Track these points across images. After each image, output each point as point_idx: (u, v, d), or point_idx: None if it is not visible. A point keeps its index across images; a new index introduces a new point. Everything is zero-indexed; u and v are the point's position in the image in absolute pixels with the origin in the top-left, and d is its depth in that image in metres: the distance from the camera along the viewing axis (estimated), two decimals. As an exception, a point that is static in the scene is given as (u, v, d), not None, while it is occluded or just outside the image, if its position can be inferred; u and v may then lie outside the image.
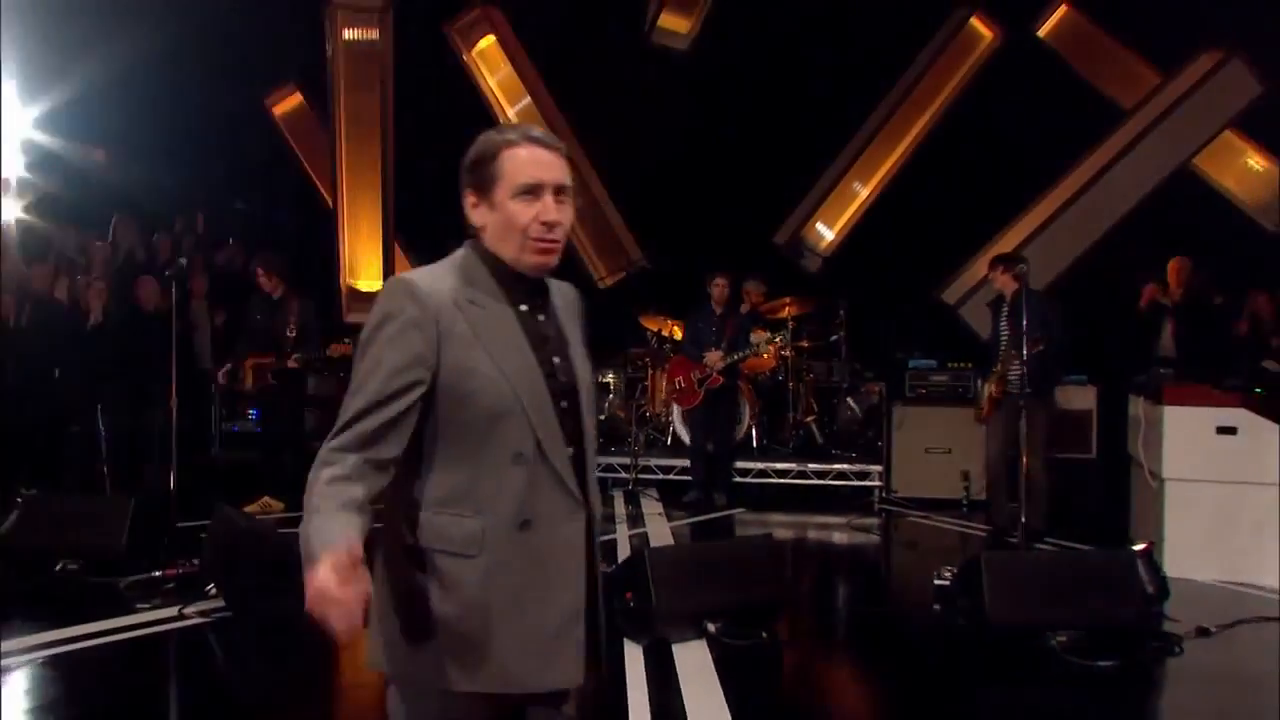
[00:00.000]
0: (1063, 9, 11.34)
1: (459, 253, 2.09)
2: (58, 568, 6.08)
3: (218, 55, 11.33)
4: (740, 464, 8.95)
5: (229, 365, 8.24)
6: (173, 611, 5.51)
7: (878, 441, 9.08)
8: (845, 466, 8.91)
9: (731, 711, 4.19)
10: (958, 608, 5.15)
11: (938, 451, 8.65)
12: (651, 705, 4.24)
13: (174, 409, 7.09)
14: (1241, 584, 6.01)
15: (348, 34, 9.79)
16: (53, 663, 4.86)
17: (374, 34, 9.83)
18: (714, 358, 8.38)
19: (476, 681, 1.97)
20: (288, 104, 12.32)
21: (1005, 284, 7.45)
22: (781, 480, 8.96)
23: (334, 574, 1.72)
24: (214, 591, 5.69)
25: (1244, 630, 5.27)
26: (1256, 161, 10.58)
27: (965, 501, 8.46)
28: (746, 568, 5.26)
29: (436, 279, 2.02)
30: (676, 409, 9.14)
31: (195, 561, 6.18)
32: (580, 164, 11.38)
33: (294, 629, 5.22)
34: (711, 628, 5.00)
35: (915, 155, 11.44)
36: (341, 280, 10.52)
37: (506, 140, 2.02)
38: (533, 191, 2.00)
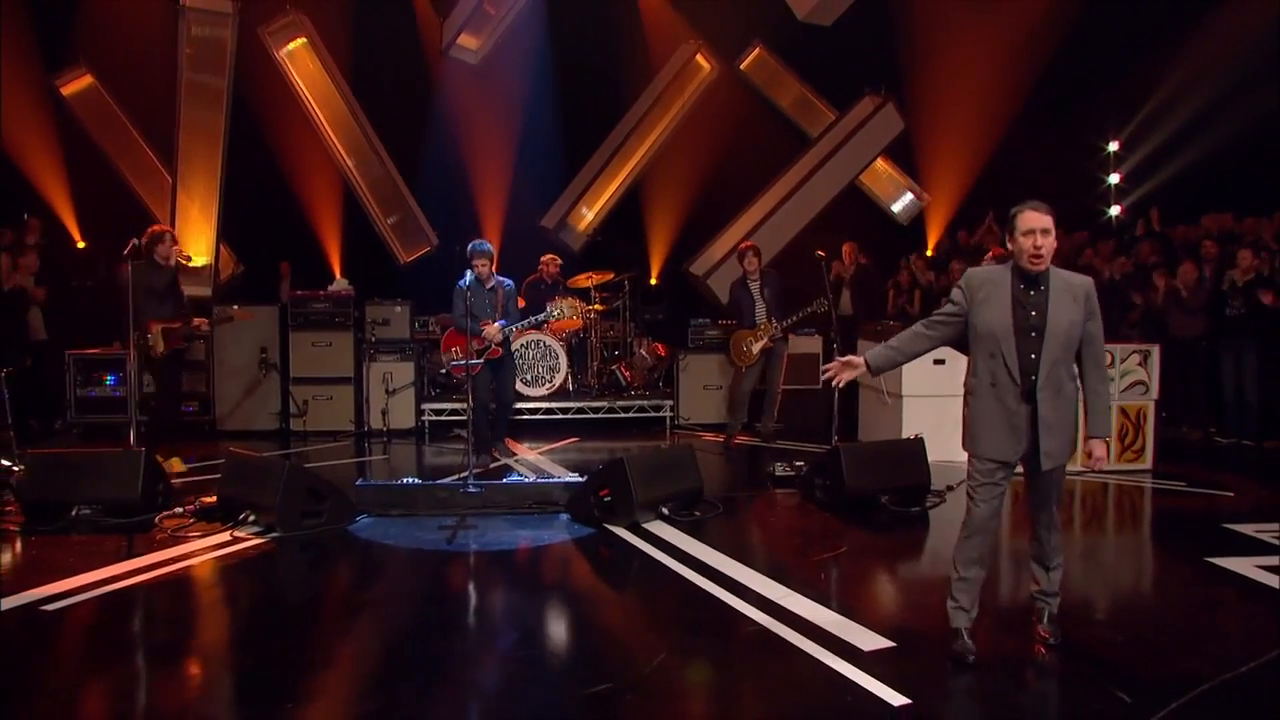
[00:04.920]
0: (758, 50, 13.52)
1: (1010, 262, 3.98)
2: (73, 513, 6.28)
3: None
4: (561, 404, 10.27)
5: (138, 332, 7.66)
6: (225, 536, 6.06)
7: (660, 382, 10.89)
8: (644, 401, 10.54)
9: (711, 546, 5.77)
10: (815, 484, 7.02)
11: (713, 388, 10.36)
12: (661, 550, 5.72)
13: (131, 372, 7.24)
14: (951, 461, 8.36)
15: (195, 30, 9.70)
16: (159, 586, 5.17)
17: (223, 33, 9.82)
18: (492, 330, 8.27)
19: (976, 450, 4.08)
20: (77, 85, 11.75)
21: (754, 265, 9.39)
22: (594, 415, 10.33)
23: (847, 362, 4.31)
24: (251, 518, 6.29)
25: (964, 486, 7.64)
26: (894, 176, 13.51)
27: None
28: (679, 468, 6.79)
29: (986, 271, 4.11)
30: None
31: (204, 499, 6.67)
32: (383, 157, 12.02)
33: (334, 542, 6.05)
34: (665, 510, 6.49)
35: (654, 159, 13.17)
36: (176, 255, 10.41)
37: (1019, 209, 3.92)
38: (1030, 233, 3.86)
